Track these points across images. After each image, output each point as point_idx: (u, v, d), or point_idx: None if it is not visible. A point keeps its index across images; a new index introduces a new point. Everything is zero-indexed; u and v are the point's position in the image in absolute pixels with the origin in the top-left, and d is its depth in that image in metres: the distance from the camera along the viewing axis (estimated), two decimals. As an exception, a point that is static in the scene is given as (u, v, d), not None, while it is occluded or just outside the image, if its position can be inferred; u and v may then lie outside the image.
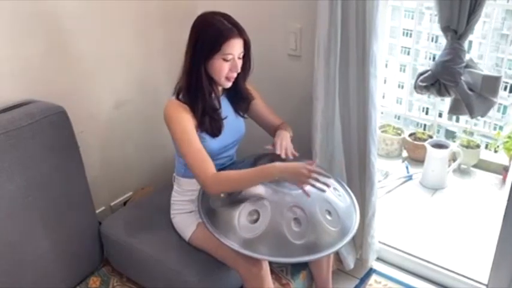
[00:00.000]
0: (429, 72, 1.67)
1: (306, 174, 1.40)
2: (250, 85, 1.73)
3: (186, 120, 1.52)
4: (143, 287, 1.81)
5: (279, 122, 1.80)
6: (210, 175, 1.46)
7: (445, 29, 1.57)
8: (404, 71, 4.68)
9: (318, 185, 1.42)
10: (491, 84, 1.59)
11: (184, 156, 1.50)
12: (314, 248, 1.42)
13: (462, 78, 1.60)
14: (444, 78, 1.62)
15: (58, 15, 1.77)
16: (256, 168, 1.47)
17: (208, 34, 1.47)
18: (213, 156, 1.64)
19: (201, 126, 1.56)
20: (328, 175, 1.50)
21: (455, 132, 4.03)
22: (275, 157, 1.58)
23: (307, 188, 1.43)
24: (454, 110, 1.72)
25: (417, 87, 1.71)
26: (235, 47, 1.49)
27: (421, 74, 1.70)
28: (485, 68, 2.99)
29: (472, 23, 1.53)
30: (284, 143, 1.63)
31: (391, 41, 4.24)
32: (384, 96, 3.71)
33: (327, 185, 1.44)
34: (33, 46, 1.73)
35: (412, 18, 3.89)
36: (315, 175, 1.41)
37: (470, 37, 1.60)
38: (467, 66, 1.62)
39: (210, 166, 1.48)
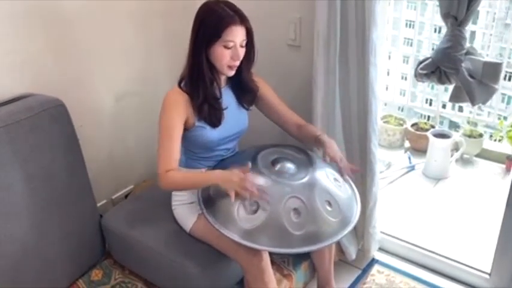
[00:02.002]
0: (429, 60, 1.65)
1: (235, 181, 1.40)
2: (259, 78, 1.71)
3: (176, 116, 1.53)
4: (145, 279, 1.81)
5: (301, 121, 1.74)
6: (166, 171, 1.49)
7: (446, 15, 1.56)
8: (407, 62, 4.66)
9: (243, 192, 1.38)
10: (492, 70, 1.58)
11: (158, 145, 1.53)
12: (314, 238, 1.42)
13: (463, 65, 1.59)
14: (445, 65, 1.60)
15: (57, 8, 1.76)
16: (202, 174, 1.57)
17: (210, 21, 1.47)
18: (213, 147, 1.64)
19: (199, 114, 1.56)
20: (260, 183, 1.42)
21: (458, 124, 4.01)
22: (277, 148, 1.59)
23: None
24: (455, 98, 1.71)
25: (417, 75, 1.69)
26: (236, 34, 1.48)
27: (422, 62, 1.69)
28: (489, 58, 2.96)
29: (472, 9, 1.51)
30: (344, 161, 1.62)
31: (393, 33, 4.21)
32: (387, 88, 3.69)
33: (255, 194, 1.38)
34: (32, 39, 1.72)
35: (415, 9, 3.87)
36: (243, 184, 1.38)
37: (474, 27, 1.59)
38: (468, 53, 1.61)
39: (172, 163, 1.51)
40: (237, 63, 1.54)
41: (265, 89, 1.73)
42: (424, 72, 1.67)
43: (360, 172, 1.64)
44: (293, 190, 1.44)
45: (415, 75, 1.72)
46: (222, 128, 1.62)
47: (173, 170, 1.51)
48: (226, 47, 1.49)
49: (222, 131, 1.63)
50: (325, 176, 1.54)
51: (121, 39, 2.04)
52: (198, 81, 1.54)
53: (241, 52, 1.53)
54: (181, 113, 1.54)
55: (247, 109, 1.72)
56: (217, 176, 1.46)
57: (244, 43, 1.53)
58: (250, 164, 1.48)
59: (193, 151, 1.67)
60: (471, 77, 1.60)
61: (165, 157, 1.51)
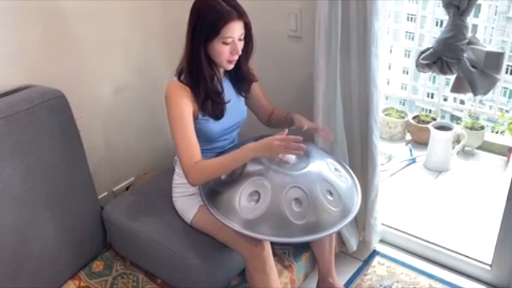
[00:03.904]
0: (431, 50, 1.65)
1: (278, 144, 1.40)
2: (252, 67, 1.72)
3: (184, 105, 1.51)
4: (146, 270, 1.81)
5: (272, 107, 1.81)
6: (193, 164, 1.47)
7: (448, 5, 1.55)
8: (408, 56, 4.64)
9: (293, 150, 1.41)
10: (494, 60, 1.57)
11: (174, 143, 1.51)
12: (315, 228, 1.41)
13: (464, 55, 1.58)
14: (446, 55, 1.60)
15: (55, -1, 1.76)
16: (232, 153, 1.47)
17: (207, 17, 1.45)
18: (215, 138, 1.64)
19: (203, 110, 1.55)
20: (300, 139, 1.44)
21: (460, 118, 4.00)
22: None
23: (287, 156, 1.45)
24: (457, 88, 1.70)
25: (419, 65, 1.69)
26: (234, 30, 1.47)
27: (423, 52, 1.68)
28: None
29: (474, -1, 1.50)
30: (312, 124, 1.67)
31: (395, 26, 4.19)
32: (388, 82, 3.68)
33: (302, 148, 1.41)
34: (30, 30, 1.72)
35: (417, 3, 3.84)
36: (285, 143, 1.40)
37: (476, 20, 1.58)
38: (469, 43, 1.60)
39: (196, 156, 1.48)
40: (236, 57, 1.54)
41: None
42: (426, 62, 1.67)
43: (331, 137, 1.67)
44: (294, 180, 1.44)
45: (417, 66, 1.71)
46: (225, 120, 1.62)
47: (200, 161, 1.48)
48: (225, 43, 1.48)
49: (225, 123, 1.63)
50: (325, 165, 1.54)
51: (120, 30, 2.03)
52: (199, 78, 1.53)
53: (240, 46, 1.52)
54: (189, 104, 1.52)
55: (244, 97, 1.73)
56: (254, 149, 1.43)
57: (242, 37, 1.52)
58: (287, 130, 1.46)
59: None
60: (473, 67, 1.59)
61: (187, 149, 1.48)
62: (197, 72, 1.52)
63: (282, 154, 1.44)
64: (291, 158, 1.49)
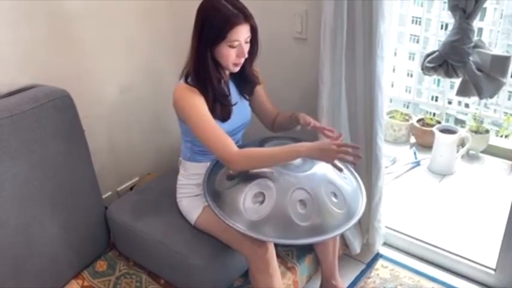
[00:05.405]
0: (437, 53, 1.64)
1: (335, 149, 1.37)
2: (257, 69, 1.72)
3: (200, 103, 1.50)
4: (149, 270, 1.82)
5: (276, 111, 1.79)
6: (235, 152, 1.44)
7: (454, 8, 1.55)
8: (413, 59, 4.63)
9: (347, 157, 1.38)
10: (500, 64, 1.57)
11: (204, 141, 1.48)
12: (320, 230, 1.41)
13: (470, 58, 1.58)
14: (452, 58, 1.59)
15: (62, -1, 1.77)
16: (283, 147, 1.45)
17: (214, 21, 1.44)
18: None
19: (212, 113, 1.54)
20: (356, 146, 1.44)
21: (464, 121, 3.98)
22: (282, 140, 1.58)
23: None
24: (463, 92, 1.69)
25: (424, 68, 1.68)
26: (241, 33, 1.47)
27: (429, 55, 1.67)
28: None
29: (481, 2, 1.49)
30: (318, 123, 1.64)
31: (399, 29, 4.19)
32: (392, 85, 3.67)
33: (358, 156, 1.39)
34: (37, 30, 1.73)
35: (422, 6, 3.83)
36: (344, 148, 1.38)
37: (481, 24, 1.58)
38: (475, 46, 1.59)
39: (231, 143, 1.47)
40: (242, 60, 1.53)
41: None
42: (431, 65, 1.66)
43: (337, 136, 1.58)
44: (299, 182, 1.43)
45: (422, 69, 1.71)
46: (231, 121, 1.62)
47: (243, 149, 1.47)
48: (231, 46, 1.48)
49: (231, 124, 1.63)
50: (330, 167, 1.53)
51: (126, 30, 2.04)
52: (206, 81, 1.52)
53: (246, 49, 1.52)
54: (203, 101, 1.51)
55: (247, 99, 1.73)
56: (308, 149, 1.40)
57: (248, 39, 1.52)
58: (342, 135, 1.45)
59: (199, 145, 1.66)
60: (479, 70, 1.59)
61: (219, 142, 1.45)
62: (204, 75, 1.52)
63: (336, 160, 1.41)
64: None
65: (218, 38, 1.46)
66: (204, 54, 1.49)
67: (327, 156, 1.40)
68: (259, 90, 1.75)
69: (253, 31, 1.52)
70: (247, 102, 1.73)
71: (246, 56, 1.53)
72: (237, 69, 1.56)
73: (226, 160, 1.46)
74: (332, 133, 1.59)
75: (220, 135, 1.47)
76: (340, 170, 1.47)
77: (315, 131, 1.63)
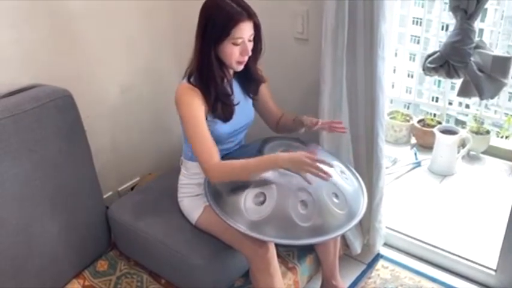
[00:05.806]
0: (438, 54, 1.64)
1: (308, 163, 1.37)
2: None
3: (197, 107, 1.51)
4: (150, 270, 1.82)
5: (280, 112, 1.79)
6: (214, 163, 1.47)
7: (455, 8, 1.55)
8: (413, 60, 4.63)
9: (320, 174, 1.37)
10: (501, 64, 1.57)
11: (191, 142, 1.50)
12: (321, 230, 1.41)
13: (472, 59, 1.58)
14: (453, 59, 1.59)
15: (63, -1, 1.77)
16: (259, 158, 1.46)
17: (218, 18, 1.45)
18: (223, 140, 1.64)
19: (213, 113, 1.55)
20: (330, 164, 1.45)
21: (465, 122, 3.98)
22: (284, 140, 1.58)
23: (309, 175, 1.40)
24: (464, 92, 1.70)
25: (426, 69, 1.68)
26: (245, 31, 1.47)
27: (430, 56, 1.68)
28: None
29: (482, 2, 1.50)
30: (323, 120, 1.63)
31: (400, 30, 4.19)
32: (393, 86, 3.68)
33: (329, 175, 1.39)
34: (38, 30, 1.73)
35: (422, 7, 3.83)
36: (317, 164, 1.37)
37: (482, 25, 1.58)
38: (477, 47, 1.60)
39: (215, 154, 1.48)
40: (246, 58, 1.53)
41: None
42: (433, 66, 1.67)
43: (344, 131, 1.61)
44: (300, 182, 1.43)
45: (423, 69, 1.71)
46: (233, 121, 1.61)
47: (219, 161, 1.49)
48: (235, 44, 1.48)
49: (233, 125, 1.62)
50: (331, 169, 1.53)
51: (128, 30, 2.04)
52: (209, 79, 1.52)
53: (250, 47, 1.52)
54: (201, 105, 1.52)
55: (252, 98, 1.72)
56: (283, 160, 1.40)
57: (252, 37, 1.52)
58: (319, 148, 1.44)
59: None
60: (480, 71, 1.59)
61: (205, 150, 1.48)
62: (207, 74, 1.52)
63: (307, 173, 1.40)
64: (314, 179, 1.42)
65: (222, 36, 1.46)
66: (208, 53, 1.49)
67: (298, 168, 1.39)
68: (264, 89, 1.75)
69: (257, 29, 1.52)
70: (250, 102, 1.73)
71: (250, 53, 1.53)
72: (240, 67, 1.56)
73: (205, 170, 1.49)
74: (340, 125, 1.59)
75: (206, 142, 1.49)
76: (308, 183, 1.42)
77: (318, 132, 1.62)
